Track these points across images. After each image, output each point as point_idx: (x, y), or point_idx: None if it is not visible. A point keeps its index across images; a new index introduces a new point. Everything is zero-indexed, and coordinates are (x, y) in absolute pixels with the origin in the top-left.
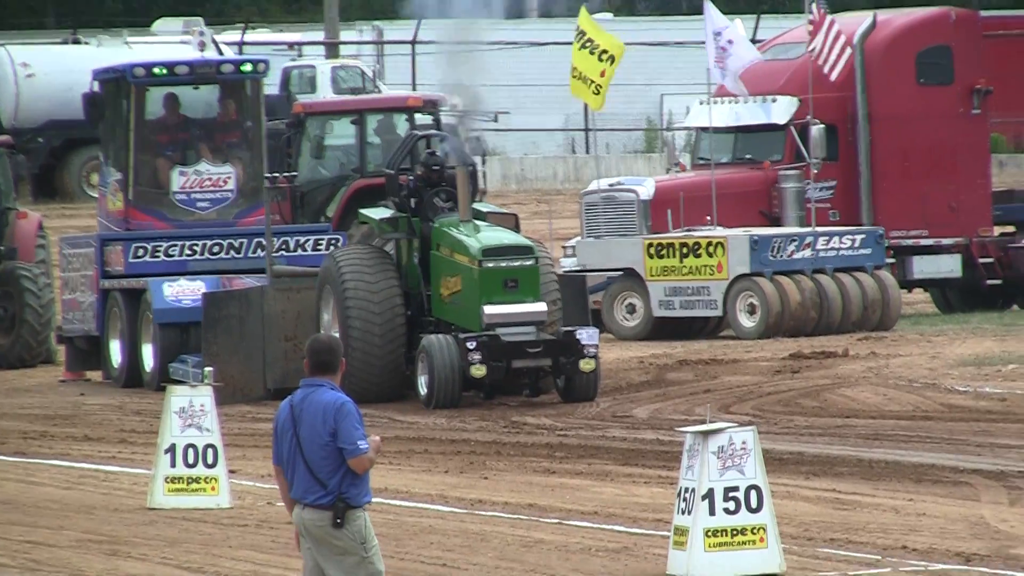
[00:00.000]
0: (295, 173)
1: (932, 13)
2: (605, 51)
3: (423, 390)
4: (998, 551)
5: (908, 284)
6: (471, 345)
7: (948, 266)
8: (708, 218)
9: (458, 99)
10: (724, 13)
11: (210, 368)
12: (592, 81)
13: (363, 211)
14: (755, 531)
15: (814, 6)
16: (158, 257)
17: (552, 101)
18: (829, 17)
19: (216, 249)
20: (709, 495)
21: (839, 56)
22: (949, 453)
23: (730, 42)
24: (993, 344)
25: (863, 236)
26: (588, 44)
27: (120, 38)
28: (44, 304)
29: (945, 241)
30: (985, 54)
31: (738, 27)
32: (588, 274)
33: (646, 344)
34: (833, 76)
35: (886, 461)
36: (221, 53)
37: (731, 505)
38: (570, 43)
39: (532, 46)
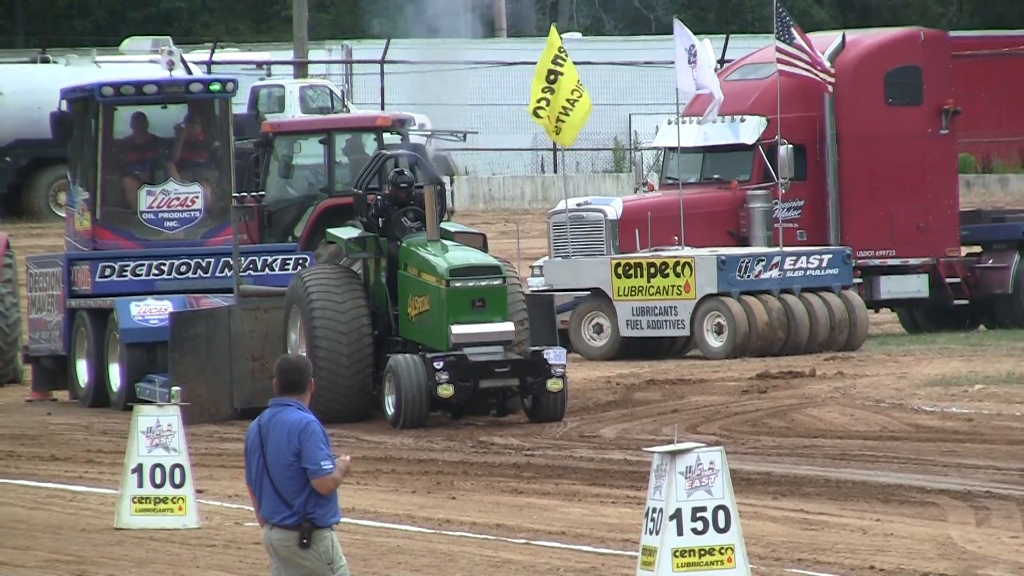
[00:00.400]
0: (263, 192)
1: (901, 33)
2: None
3: (390, 410)
4: (965, 571)
5: (875, 304)
6: (438, 365)
7: (915, 286)
8: (676, 238)
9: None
10: (693, 33)
11: (177, 388)
12: (557, 119)
13: (331, 231)
14: (723, 551)
15: (792, 29)
16: (125, 276)
17: (520, 121)
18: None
19: (183, 268)
20: (677, 515)
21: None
22: (916, 473)
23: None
24: (960, 364)
25: (830, 256)
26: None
27: (89, 57)
28: (10, 324)
29: (912, 261)
30: (954, 74)
31: (707, 47)
32: (556, 294)
33: (613, 364)
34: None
35: (853, 481)
36: (190, 72)
37: (699, 525)
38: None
39: (501, 66)
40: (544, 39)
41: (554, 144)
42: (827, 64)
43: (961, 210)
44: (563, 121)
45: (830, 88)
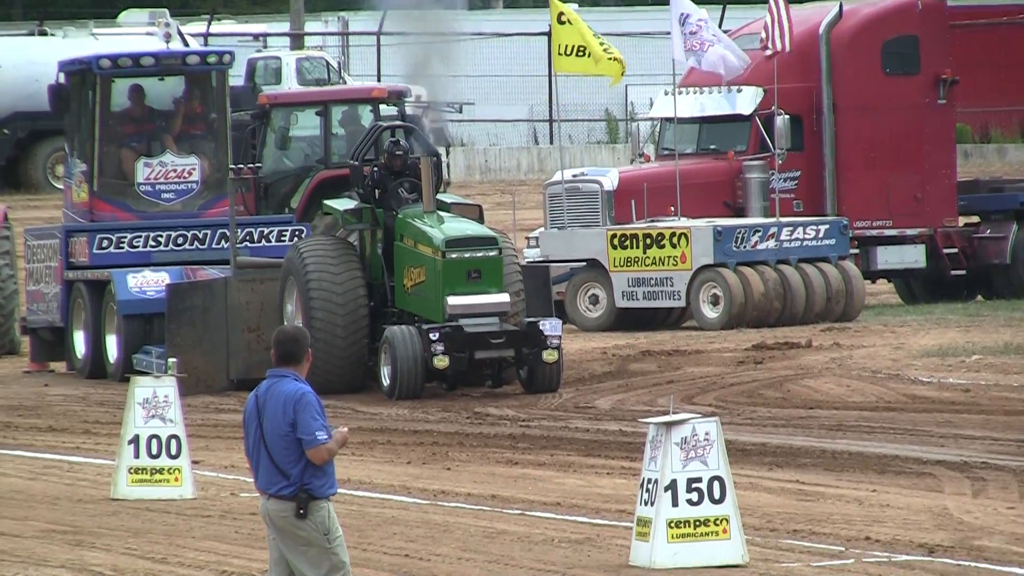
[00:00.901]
0: (259, 164)
1: (899, 2)
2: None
3: (386, 381)
4: (961, 542)
5: (872, 275)
6: (434, 336)
7: (912, 256)
8: (672, 209)
9: (422, 90)
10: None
11: (174, 359)
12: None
13: (327, 202)
14: (718, 522)
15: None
16: (122, 248)
17: (516, 92)
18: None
19: (180, 240)
20: (672, 486)
21: (784, 32)
22: (913, 444)
23: (701, 22)
24: (957, 335)
25: (827, 227)
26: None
27: (86, 29)
28: (7, 296)
29: (909, 231)
30: (952, 44)
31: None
32: (552, 265)
33: (609, 335)
34: (784, 48)
35: (849, 452)
36: (186, 44)
37: (694, 496)
38: (534, 33)
39: (497, 37)
40: (540, 10)
41: (550, 115)
42: (787, 37)
43: (959, 180)
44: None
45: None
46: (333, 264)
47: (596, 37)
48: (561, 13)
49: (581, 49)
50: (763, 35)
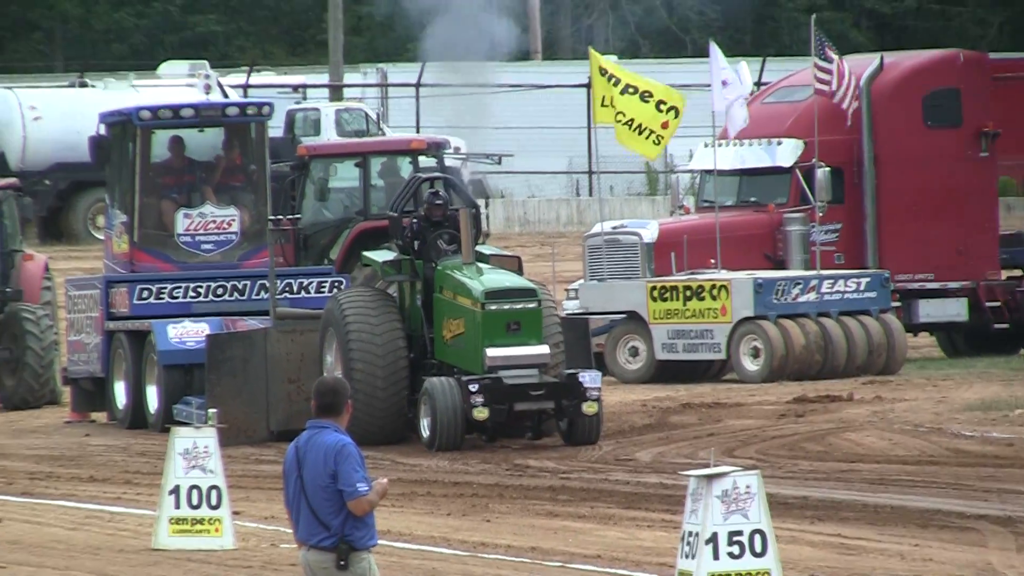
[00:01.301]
0: (299, 215)
1: (940, 55)
2: (664, 102)
3: (425, 432)
4: None
5: (914, 328)
6: (473, 388)
7: (955, 310)
8: (712, 261)
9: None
10: (729, 56)
11: (214, 410)
12: (652, 131)
13: (366, 253)
14: None
15: (827, 49)
16: (163, 299)
17: (556, 143)
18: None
19: (220, 291)
20: (713, 539)
21: (852, 96)
22: (955, 498)
23: (724, 83)
24: (1000, 388)
25: (868, 279)
26: (632, 91)
27: (126, 81)
28: (46, 346)
29: (952, 285)
30: (994, 96)
31: (743, 70)
32: (591, 317)
33: (649, 387)
34: (848, 112)
35: (891, 506)
36: (226, 96)
37: (735, 549)
38: (574, 85)
39: (536, 88)
40: (579, 62)
41: (589, 167)
42: (857, 89)
43: (1001, 233)
44: (662, 136)
45: (848, 118)
46: (373, 316)
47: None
48: (602, 66)
49: (621, 114)
50: (829, 81)
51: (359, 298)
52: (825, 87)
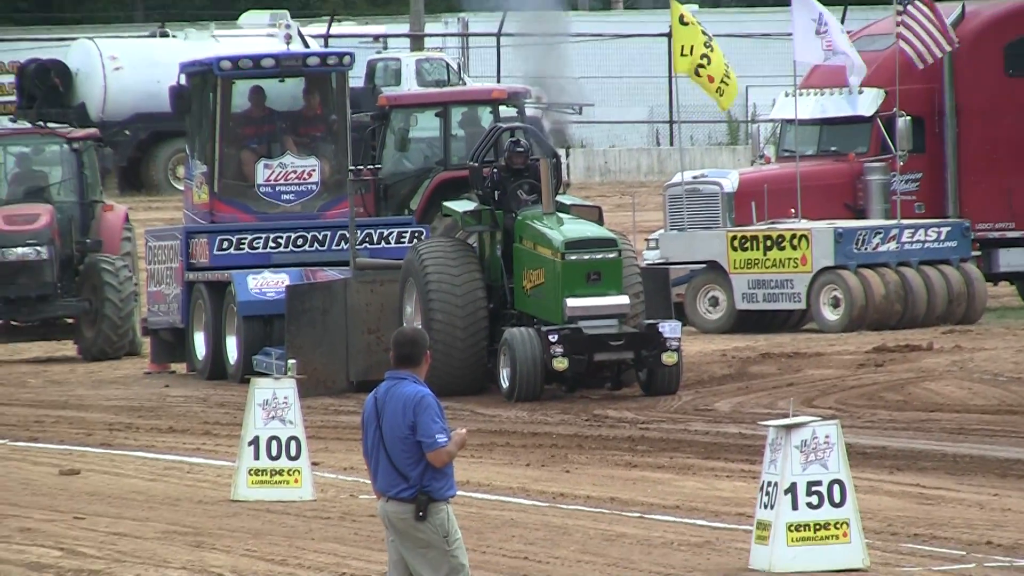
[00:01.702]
0: (379, 166)
1: (1021, 3)
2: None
3: (505, 383)
4: None
5: (994, 277)
6: (553, 338)
7: None
8: (792, 211)
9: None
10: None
11: (293, 361)
12: (722, 83)
13: (446, 204)
14: (838, 526)
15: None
16: (242, 249)
17: (636, 93)
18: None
19: (300, 242)
20: (792, 489)
21: (935, 41)
22: None
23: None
24: None
25: (949, 229)
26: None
27: (207, 31)
28: (124, 298)
29: None
30: None
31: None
32: (671, 267)
33: (729, 337)
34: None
35: (971, 456)
36: (307, 46)
37: (814, 499)
38: (655, 34)
39: (616, 38)
40: (660, 11)
41: (670, 116)
42: (951, 32)
43: None
44: (726, 84)
45: (941, 55)
46: (452, 266)
47: (710, 48)
48: (683, 15)
49: (701, 64)
50: (911, 52)
51: (439, 248)
52: (917, 40)
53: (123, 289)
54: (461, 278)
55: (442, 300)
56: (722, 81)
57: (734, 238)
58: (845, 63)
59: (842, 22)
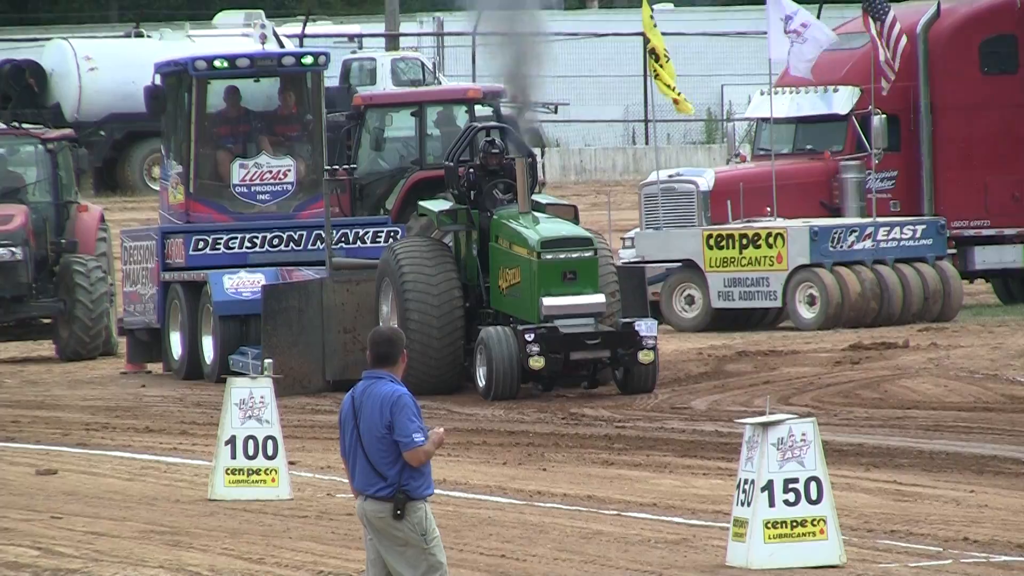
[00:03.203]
0: (355, 165)
1: (996, 1)
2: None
3: (481, 382)
4: None
5: (970, 275)
6: (529, 337)
7: (1010, 256)
8: (768, 209)
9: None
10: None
11: (270, 360)
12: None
13: (422, 203)
14: (815, 523)
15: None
16: (218, 249)
17: (612, 92)
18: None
19: (276, 241)
20: (769, 487)
21: (896, 50)
22: (1011, 444)
23: (804, 25)
24: None
25: (924, 226)
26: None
27: (182, 31)
28: (95, 299)
29: (1007, 231)
30: None
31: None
32: (647, 265)
33: (705, 335)
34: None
35: (947, 452)
36: (282, 46)
37: (791, 497)
38: (630, 34)
39: (592, 37)
40: (635, 10)
41: (645, 115)
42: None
43: None
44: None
45: (884, 85)
46: (428, 266)
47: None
48: (651, 16)
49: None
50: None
51: (415, 248)
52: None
53: (94, 290)
54: (437, 278)
55: (418, 300)
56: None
57: (710, 236)
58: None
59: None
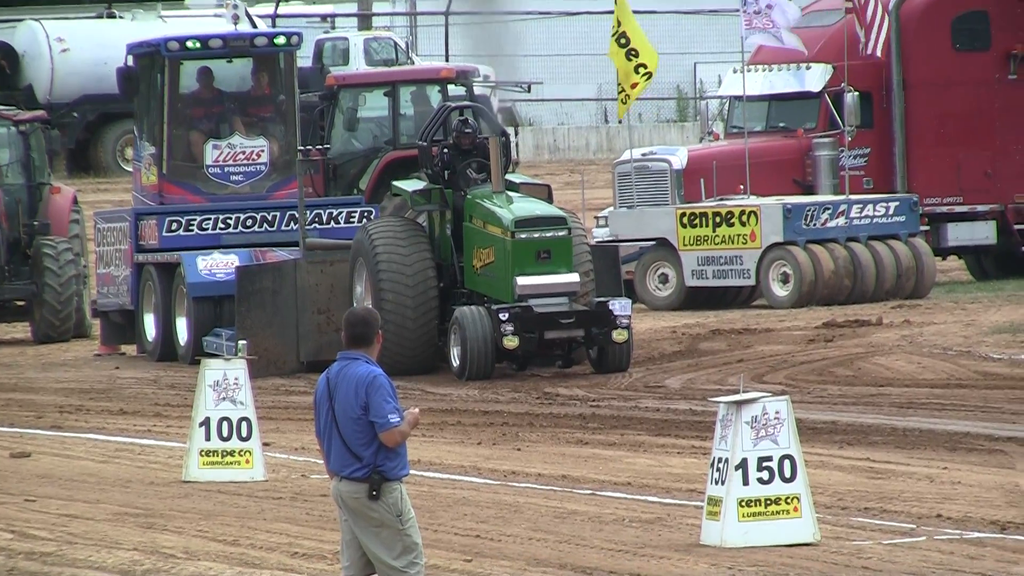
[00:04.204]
0: (328, 146)
1: None
2: (643, 65)
3: (455, 362)
4: None
5: (942, 252)
6: (504, 316)
7: (983, 233)
8: (741, 187)
9: (490, 70)
10: None
11: (243, 341)
12: (623, 90)
13: (396, 183)
14: (789, 501)
15: None
16: (192, 231)
17: (585, 71)
18: None
19: (249, 222)
20: (743, 465)
21: (879, 31)
22: (984, 421)
23: (769, 7)
24: None
25: (897, 204)
26: (625, 43)
27: (154, 12)
28: (64, 282)
29: (980, 208)
30: (1022, 18)
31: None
32: (621, 244)
33: (679, 314)
34: (879, 51)
35: (920, 430)
36: (255, 26)
37: (765, 475)
38: (603, 12)
39: (565, 15)
40: None
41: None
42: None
43: None
44: (629, 96)
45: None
46: (402, 246)
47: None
48: (623, 32)
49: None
50: (860, 34)
51: (389, 228)
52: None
53: (63, 273)
54: (411, 258)
55: (392, 280)
56: (625, 91)
57: (683, 215)
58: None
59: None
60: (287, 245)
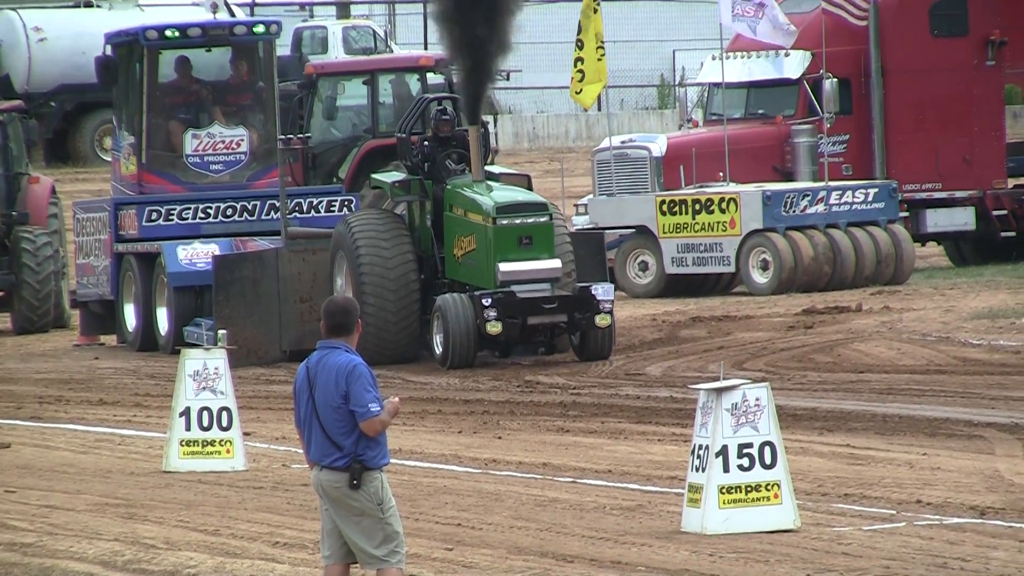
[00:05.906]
0: (308, 135)
1: None
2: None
3: (438, 349)
4: (1013, 504)
5: (922, 238)
6: (486, 302)
7: (962, 219)
8: (721, 174)
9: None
10: None
11: (223, 331)
12: (584, 78)
13: (375, 175)
14: (769, 487)
15: None
16: (172, 220)
17: (563, 59)
18: None
19: (230, 212)
20: (723, 452)
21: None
22: (963, 407)
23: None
24: (1007, 297)
25: (876, 190)
26: (581, 46)
27: (132, 1)
28: (43, 272)
29: (959, 194)
30: (1000, 5)
31: None
32: (600, 232)
33: (659, 301)
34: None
35: (900, 415)
36: (233, 15)
37: (745, 462)
38: None
39: (543, 3)
40: None
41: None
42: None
43: (1008, 142)
44: (584, 84)
45: (865, 23)
46: (383, 238)
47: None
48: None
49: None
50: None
51: (369, 221)
52: (838, 9)
53: (42, 267)
54: (392, 250)
55: (373, 273)
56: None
57: (663, 202)
58: (771, 37)
59: None
60: (268, 234)
